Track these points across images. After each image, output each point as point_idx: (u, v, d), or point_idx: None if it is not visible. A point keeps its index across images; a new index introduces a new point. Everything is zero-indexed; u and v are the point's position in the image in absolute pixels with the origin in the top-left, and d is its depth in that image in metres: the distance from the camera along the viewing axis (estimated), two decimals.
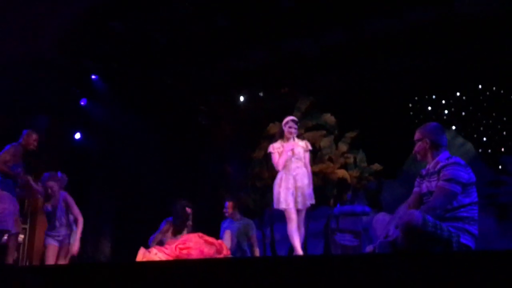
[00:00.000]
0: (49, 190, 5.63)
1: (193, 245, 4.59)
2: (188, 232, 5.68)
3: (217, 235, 6.20)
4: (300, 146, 5.34)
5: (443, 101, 10.37)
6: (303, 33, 7.57)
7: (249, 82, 9.12)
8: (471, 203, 3.14)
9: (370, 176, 9.42)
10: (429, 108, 10.48)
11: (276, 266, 2.71)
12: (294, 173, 5.19)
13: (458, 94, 10.14)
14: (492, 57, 8.11)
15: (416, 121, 10.24)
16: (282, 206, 5.10)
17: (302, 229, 5.19)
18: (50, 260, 5.53)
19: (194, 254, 4.47)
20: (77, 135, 8.18)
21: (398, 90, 9.35)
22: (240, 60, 8.38)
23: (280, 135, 5.42)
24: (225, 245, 4.87)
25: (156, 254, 4.54)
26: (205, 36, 7.56)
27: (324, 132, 9.60)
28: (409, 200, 3.49)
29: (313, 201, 5.26)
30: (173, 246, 4.62)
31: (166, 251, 4.57)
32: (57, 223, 5.62)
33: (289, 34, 7.57)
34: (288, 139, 5.32)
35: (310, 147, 5.43)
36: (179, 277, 2.78)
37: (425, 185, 3.35)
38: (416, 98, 10.36)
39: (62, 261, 5.58)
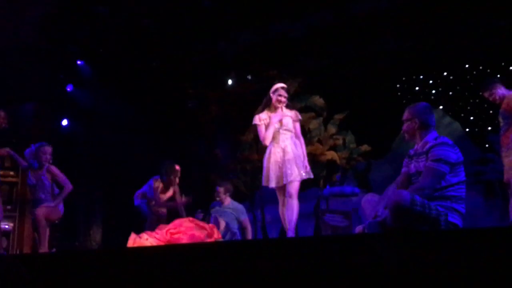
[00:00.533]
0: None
1: (184, 229, 4.60)
2: (175, 189, 5.82)
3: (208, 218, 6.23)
4: (289, 116, 4.86)
5: (431, 81, 10.40)
6: (290, 14, 7.52)
7: (237, 65, 9.06)
8: (458, 182, 3.19)
9: (359, 157, 9.49)
10: (417, 88, 10.51)
11: (266, 249, 2.72)
12: (283, 145, 4.73)
13: (445, 73, 10.17)
14: (479, 36, 8.13)
15: (404, 101, 10.27)
16: (272, 184, 4.69)
17: (295, 203, 4.63)
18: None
19: (185, 239, 4.48)
20: (64, 122, 8.10)
21: (386, 71, 9.35)
22: (227, 43, 8.32)
23: (267, 105, 4.91)
24: (216, 228, 4.88)
25: (147, 239, 4.55)
26: (191, 18, 7.48)
27: (313, 114, 9.62)
28: (397, 180, 3.52)
29: (310, 175, 4.79)
30: (164, 230, 4.63)
31: (157, 236, 4.58)
32: (42, 195, 5.54)
33: (276, 16, 7.52)
34: (276, 109, 4.82)
35: (300, 117, 4.97)
36: (170, 262, 2.79)
37: (413, 165, 3.38)
38: (403, 78, 10.37)
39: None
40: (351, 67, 9.03)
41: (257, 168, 9.14)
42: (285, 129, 4.79)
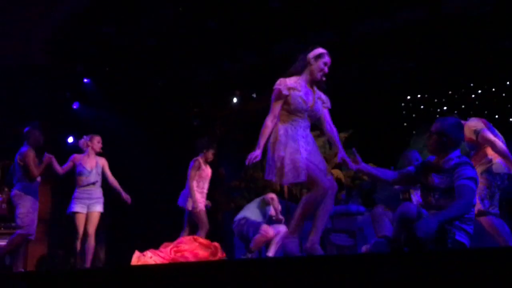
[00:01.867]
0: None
1: (187, 247, 4.58)
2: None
3: (213, 235, 6.18)
4: (322, 100, 3.74)
5: (436, 100, 10.42)
6: (294, 34, 7.59)
7: (242, 84, 9.13)
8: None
9: (364, 176, 9.45)
10: (422, 106, 10.52)
11: (271, 267, 2.71)
12: (305, 135, 3.58)
13: (450, 92, 10.20)
14: (484, 55, 8.17)
15: (409, 120, 10.29)
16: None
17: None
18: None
19: (189, 257, 4.46)
20: (70, 139, 8.14)
21: (390, 90, 9.39)
22: (233, 62, 8.39)
23: (299, 71, 3.66)
24: (220, 247, 4.85)
25: (151, 257, 4.53)
26: (196, 38, 7.57)
27: (317, 132, 9.61)
28: (400, 172, 3.51)
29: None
30: (168, 249, 4.61)
31: (161, 254, 4.56)
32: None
33: (280, 35, 7.59)
34: (312, 82, 3.67)
35: (329, 105, 3.84)
36: (174, 280, 2.78)
37: (436, 179, 3.26)
38: (408, 97, 10.40)
39: None
40: (355, 86, 9.06)
41: (262, 186, 9.13)
42: (312, 115, 3.65)
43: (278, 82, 3.58)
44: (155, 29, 7.34)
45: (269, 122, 3.54)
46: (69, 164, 5.80)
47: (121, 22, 7.13)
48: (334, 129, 3.80)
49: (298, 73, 3.66)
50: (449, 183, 3.16)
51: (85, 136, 5.96)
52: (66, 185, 7.95)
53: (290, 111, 3.55)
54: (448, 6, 6.82)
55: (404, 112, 10.45)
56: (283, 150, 3.43)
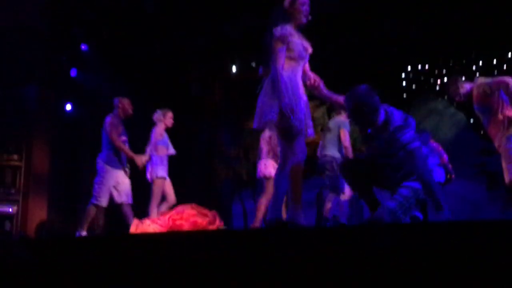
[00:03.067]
0: None
1: (186, 216, 4.62)
2: None
3: (211, 203, 6.23)
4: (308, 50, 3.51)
5: (436, 71, 10.34)
6: None
7: (241, 52, 9.02)
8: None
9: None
10: (422, 77, 10.46)
11: (266, 237, 2.74)
12: (305, 98, 3.48)
13: (451, 63, 10.11)
14: (485, 26, 8.07)
15: (409, 90, 10.24)
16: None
17: None
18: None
19: (187, 225, 4.51)
20: (68, 106, 8.09)
21: (391, 59, 9.30)
22: (232, 28, 8.26)
23: (287, 17, 3.45)
24: (218, 216, 4.90)
25: (149, 225, 4.58)
26: (195, 1, 7.44)
27: (316, 102, 9.59)
28: None
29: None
30: (166, 217, 4.66)
31: (159, 222, 4.61)
32: None
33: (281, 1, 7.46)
34: (297, 29, 3.47)
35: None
36: (172, 249, 2.81)
37: (377, 144, 3.33)
38: (408, 67, 10.32)
39: None
40: (355, 55, 8.97)
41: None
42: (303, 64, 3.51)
43: (278, 29, 3.36)
44: None
45: (283, 72, 3.31)
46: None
47: None
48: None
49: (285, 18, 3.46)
50: (394, 151, 3.24)
51: (158, 111, 5.95)
52: (67, 151, 7.98)
53: (293, 57, 3.37)
54: None
55: (404, 82, 10.40)
56: (288, 97, 3.24)
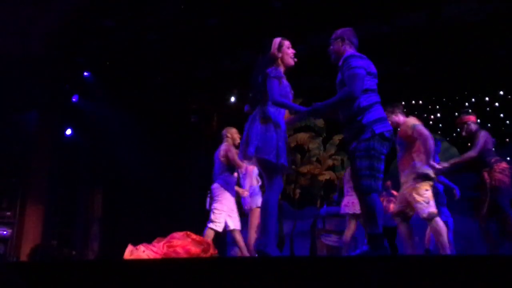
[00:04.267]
0: None
1: (180, 243, 4.64)
2: None
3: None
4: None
5: (430, 106, 10.52)
6: (293, 35, 7.63)
7: (239, 82, 9.19)
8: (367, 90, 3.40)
9: None
10: (416, 112, 10.62)
11: (261, 266, 2.78)
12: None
13: (444, 99, 10.29)
14: (478, 64, 8.27)
15: None
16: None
17: None
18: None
19: (181, 253, 4.52)
20: (68, 131, 8.19)
21: (385, 94, 9.45)
22: (231, 60, 8.44)
23: (276, 61, 3.74)
24: (212, 244, 4.92)
25: (144, 251, 4.58)
26: (196, 35, 7.62)
27: (312, 134, 9.74)
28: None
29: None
30: (161, 244, 4.67)
31: (154, 249, 4.62)
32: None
33: (277, 34, 7.63)
34: (285, 72, 3.75)
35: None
36: (166, 275, 2.84)
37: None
38: (402, 102, 10.48)
39: None
40: None
41: None
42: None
43: (273, 70, 3.63)
44: (156, 24, 7.39)
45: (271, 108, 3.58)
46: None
47: (122, 16, 7.18)
48: None
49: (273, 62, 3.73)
50: (341, 78, 3.47)
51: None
52: (65, 175, 8.02)
53: (282, 96, 3.60)
54: (446, 13, 6.89)
55: None
56: (275, 131, 3.49)
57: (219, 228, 5.49)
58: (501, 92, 9.57)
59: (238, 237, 5.58)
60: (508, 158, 8.74)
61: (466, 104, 9.89)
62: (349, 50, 3.60)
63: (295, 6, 6.89)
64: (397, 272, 2.36)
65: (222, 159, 5.62)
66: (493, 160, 5.44)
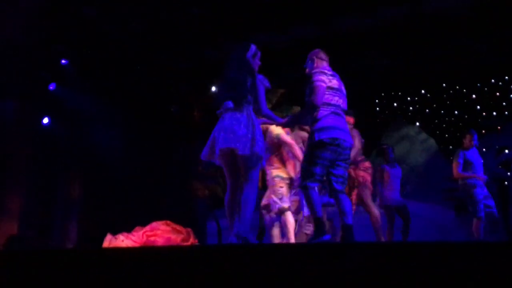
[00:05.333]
0: None
1: (160, 232, 4.65)
2: None
3: (186, 221, 6.24)
4: None
5: (409, 98, 10.65)
6: (276, 26, 7.64)
7: (220, 72, 9.14)
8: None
9: None
10: (395, 104, 10.74)
11: (240, 254, 2.79)
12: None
13: (423, 91, 10.43)
14: (457, 56, 8.38)
15: (382, 116, 10.49)
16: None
17: None
18: None
19: (161, 241, 4.53)
20: (45, 120, 8.05)
21: (366, 86, 9.54)
22: (212, 49, 8.39)
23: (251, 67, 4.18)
24: (192, 233, 4.94)
25: (123, 240, 4.58)
26: (177, 24, 7.54)
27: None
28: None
29: None
30: (140, 233, 4.67)
31: (133, 237, 4.62)
32: None
33: (261, 26, 7.63)
34: None
35: None
36: (145, 264, 2.82)
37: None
38: (382, 94, 10.60)
39: None
40: None
41: None
42: None
43: (262, 77, 4.05)
44: (137, 13, 7.29)
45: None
46: None
47: (103, 4, 7.06)
48: None
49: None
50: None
51: None
52: (41, 164, 7.91)
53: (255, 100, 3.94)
54: (427, 5, 6.96)
55: (377, 108, 10.65)
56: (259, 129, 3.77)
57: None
58: (478, 85, 9.73)
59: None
60: (484, 149, 8.92)
61: (444, 95, 10.05)
62: (319, 66, 4.12)
63: None
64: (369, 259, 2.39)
65: None
66: (359, 159, 6.13)
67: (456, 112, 10.12)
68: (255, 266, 2.55)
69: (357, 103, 9.89)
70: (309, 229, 7.38)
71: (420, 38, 7.80)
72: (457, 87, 10.02)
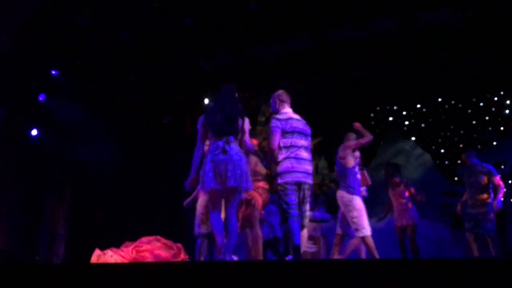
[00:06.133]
0: None
1: (150, 248, 4.51)
2: None
3: (177, 236, 6.09)
4: None
5: (404, 112, 10.63)
6: (269, 37, 7.59)
7: (214, 84, 9.06)
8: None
9: (331, 183, 9.55)
10: (390, 118, 10.71)
11: (232, 271, 2.69)
12: None
13: (418, 106, 10.41)
14: (452, 71, 8.37)
15: (377, 130, 10.45)
16: None
17: None
18: None
19: (150, 258, 4.39)
20: (34, 132, 7.90)
21: (361, 99, 9.51)
22: (205, 61, 8.32)
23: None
24: (183, 249, 4.79)
25: (111, 256, 4.43)
26: (170, 34, 7.47)
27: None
28: None
29: None
30: (130, 248, 4.52)
31: (122, 253, 4.47)
32: None
33: (255, 37, 7.59)
34: None
35: None
36: (134, 280, 2.73)
37: None
38: (377, 108, 10.57)
39: None
40: (326, 93, 9.14)
41: None
42: None
43: (248, 121, 4.23)
44: (130, 23, 7.20)
45: None
46: None
47: (95, 14, 6.97)
48: None
49: None
50: None
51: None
52: (29, 175, 7.74)
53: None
54: (421, 19, 6.95)
55: (372, 122, 10.62)
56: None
57: (369, 231, 5.17)
58: (474, 99, 9.73)
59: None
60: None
61: (440, 110, 10.03)
62: (279, 108, 4.45)
63: (271, 8, 6.83)
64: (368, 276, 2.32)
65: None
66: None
67: (451, 127, 10.09)
68: (248, 283, 2.47)
69: (352, 116, 9.88)
70: (312, 247, 7.29)
71: (416, 52, 7.78)
72: (453, 101, 10.01)
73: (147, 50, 7.87)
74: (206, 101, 9.27)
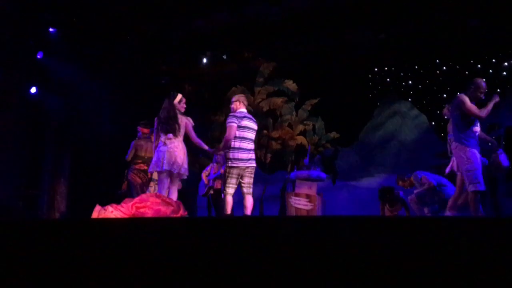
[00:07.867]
0: None
1: (150, 204, 4.60)
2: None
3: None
4: None
5: (402, 74, 10.61)
6: None
7: (213, 45, 9.01)
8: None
9: (327, 144, 9.67)
10: (388, 79, 10.71)
11: (230, 226, 2.78)
12: None
13: (416, 67, 10.39)
14: (451, 33, 8.32)
15: (375, 91, 10.47)
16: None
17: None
18: None
19: (150, 213, 4.49)
20: (33, 89, 7.91)
21: (359, 61, 9.49)
22: (204, 21, 8.25)
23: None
24: (182, 205, 4.91)
25: (112, 212, 4.53)
26: None
27: (285, 98, 9.71)
28: None
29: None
30: (130, 204, 4.62)
31: (122, 209, 4.57)
32: None
33: None
34: None
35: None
36: (134, 235, 2.80)
37: None
38: (376, 69, 10.54)
39: None
40: (326, 54, 9.11)
41: None
42: None
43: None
44: None
45: None
46: None
47: None
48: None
49: None
50: None
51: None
52: (29, 133, 7.81)
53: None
54: None
55: (370, 83, 10.62)
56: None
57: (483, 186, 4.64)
58: (472, 61, 9.70)
59: None
60: None
61: (437, 72, 10.02)
62: (238, 108, 5.19)
63: None
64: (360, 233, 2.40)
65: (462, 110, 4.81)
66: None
67: (448, 88, 10.11)
68: (244, 238, 2.55)
69: (350, 77, 9.89)
70: (298, 203, 7.44)
71: (414, 13, 7.71)
72: (451, 63, 9.99)
73: (144, 9, 7.78)
74: (204, 60, 9.24)
